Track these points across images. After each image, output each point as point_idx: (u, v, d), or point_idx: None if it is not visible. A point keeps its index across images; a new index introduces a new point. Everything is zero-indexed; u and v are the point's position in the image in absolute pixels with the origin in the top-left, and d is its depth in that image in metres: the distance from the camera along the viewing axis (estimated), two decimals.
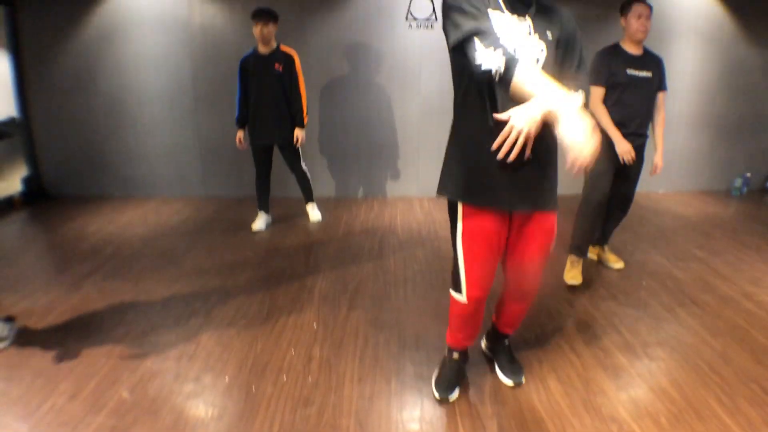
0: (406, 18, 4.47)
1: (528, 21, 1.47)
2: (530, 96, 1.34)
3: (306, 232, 3.84)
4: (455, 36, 1.38)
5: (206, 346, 2.22)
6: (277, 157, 3.83)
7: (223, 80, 4.46)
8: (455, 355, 1.93)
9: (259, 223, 3.89)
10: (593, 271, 3.12)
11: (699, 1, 4.82)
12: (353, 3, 4.45)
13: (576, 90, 1.45)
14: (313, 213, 4.08)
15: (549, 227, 1.67)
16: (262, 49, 3.58)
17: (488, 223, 1.60)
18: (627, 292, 2.83)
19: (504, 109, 1.42)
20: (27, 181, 4.85)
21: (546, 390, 1.93)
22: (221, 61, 4.48)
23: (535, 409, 1.82)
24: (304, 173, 3.91)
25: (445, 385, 1.87)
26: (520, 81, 1.32)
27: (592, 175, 2.84)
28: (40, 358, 2.11)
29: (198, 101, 4.67)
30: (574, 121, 1.29)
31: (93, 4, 4.52)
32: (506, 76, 1.33)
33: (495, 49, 1.32)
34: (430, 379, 1.95)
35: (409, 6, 4.44)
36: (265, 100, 3.59)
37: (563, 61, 1.53)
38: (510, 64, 1.32)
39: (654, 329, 2.42)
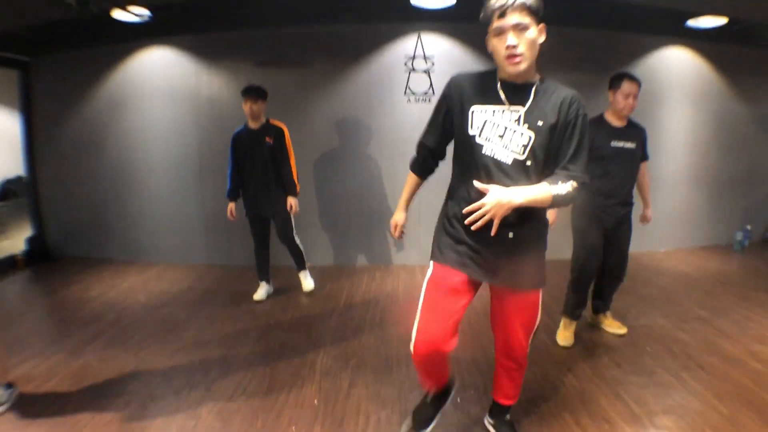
0: (405, 93, 4.73)
1: (521, 111, 1.56)
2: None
3: (307, 303, 3.83)
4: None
5: (206, 421, 2.20)
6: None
7: (228, 151, 4.65)
8: (428, 398, 1.96)
9: (261, 293, 3.91)
10: (596, 338, 3.09)
11: (688, 62, 5.05)
12: (354, 79, 4.67)
13: (564, 181, 1.53)
14: (306, 282, 4.04)
15: (529, 303, 1.73)
16: (252, 125, 3.72)
17: (452, 280, 1.67)
18: (631, 359, 2.79)
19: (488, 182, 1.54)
20: (31, 241, 4.94)
21: None
22: (226, 131, 4.58)
23: None
24: (296, 245, 3.92)
25: (419, 421, 1.94)
26: None
27: (581, 247, 2.90)
28: (38, 427, 2.12)
29: (203, 170, 4.83)
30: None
31: (105, 73, 4.81)
32: None
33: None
34: None
35: (408, 82, 4.71)
36: (257, 173, 3.70)
37: (559, 149, 1.58)
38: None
39: (660, 397, 2.37)
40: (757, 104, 5.26)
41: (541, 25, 1.53)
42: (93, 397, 2.40)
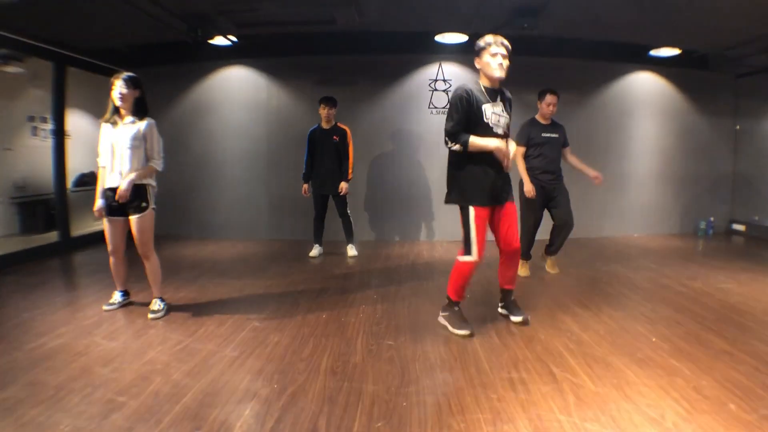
0: (429, 107, 6.02)
1: (501, 105, 2.82)
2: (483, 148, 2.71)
3: (351, 262, 4.98)
4: (447, 126, 2.74)
5: (300, 309, 3.42)
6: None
7: (291, 149, 5.87)
8: (456, 307, 2.96)
9: (314, 252, 5.12)
10: (577, 274, 4.27)
11: (653, 84, 6.28)
12: (391, 96, 5.98)
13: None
14: (352, 251, 5.21)
15: (510, 207, 2.91)
16: (325, 125, 4.98)
17: (485, 214, 2.84)
18: (590, 286, 3.97)
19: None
20: None
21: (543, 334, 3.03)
22: (290, 134, 5.96)
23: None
24: (349, 219, 5.14)
25: (462, 324, 2.88)
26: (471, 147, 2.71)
27: (525, 206, 4.10)
28: (181, 322, 3.30)
29: (270, 164, 6.14)
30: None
31: (191, 85, 6.16)
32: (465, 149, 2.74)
33: (454, 144, 2.73)
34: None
35: (431, 98, 6.01)
36: (325, 162, 4.94)
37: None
38: (464, 146, 2.70)
39: (607, 301, 3.52)
40: (715, 117, 6.44)
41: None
42: (212, 304, 3.50)
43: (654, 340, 2.76)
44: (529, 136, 4.07)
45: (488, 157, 2.74)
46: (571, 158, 4.26)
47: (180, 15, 4.42)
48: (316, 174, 5.01)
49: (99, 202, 3.12)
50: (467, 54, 5.77)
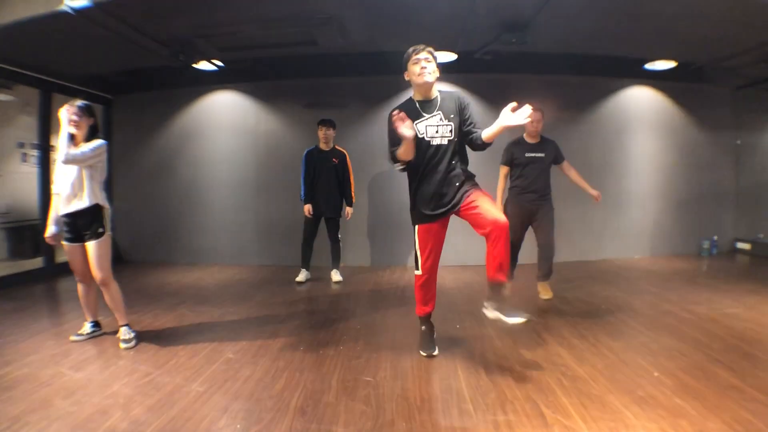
0: None
1: (439, 114, 2.68)
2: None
3: (336, 288, 4.78)
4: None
5: (278, 341, 3.21)
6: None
7: (280, 174, 5.76)
8: (423, 326, 2.88)
9: (301, 276, 4.94)
10: (571, 299, 4.05)
11: (649, 98, 6.14)
12: (381, 117, 5.69)
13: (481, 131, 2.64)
14: (336, 276, 4.99)
15: (473, 194, 2.67)
16: (323, 147, 4.88)
17: (431, 230, 2.76)
18: (587, 311, 3.75)
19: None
20: None
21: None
22: (279, 159, 5.83)
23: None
24: (339, 244, 4.99)
25: (426, 346, 2.83)
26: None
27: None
28: (148, 355, 3.09)
29: (259, 189, 5.99)
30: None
31: (178, 111, 6.07)
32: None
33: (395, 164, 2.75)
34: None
35: None
36: (322, 184, 4.81)
37: (463, 123, 2.70)
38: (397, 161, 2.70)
39: (606, 330, 3.29)
40: (716, 131, 6.26)
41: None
42: (188, 333, 3.33)
43: (656, 374, 2.53)
44: (512, 156, 3.99)
45: (429, 170, 2.69)
46: (570, 172, 4.09)
47: (161, 40, 4.36)
48: (311, 196, 4.86)
49: (51, 229, 3.11)
50: (457, 72, 5.69)
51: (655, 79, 6.02)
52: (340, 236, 4.98)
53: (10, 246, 6.02)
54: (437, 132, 2.69)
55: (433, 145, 2.69)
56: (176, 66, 4.75)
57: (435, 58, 2.70)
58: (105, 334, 3.28)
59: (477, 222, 2.61)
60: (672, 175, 6.22)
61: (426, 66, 2.64)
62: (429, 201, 2.73)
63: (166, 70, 5.35)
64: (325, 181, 4.82)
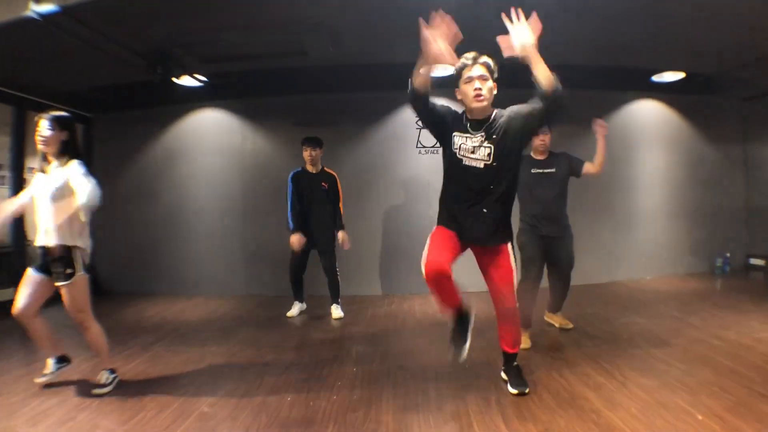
0: (417, 146, 5.56)
1: (481, 134, 2.37)
2: None
3: (337, 324, 4.30)
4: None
5: (262, 389, 2.83)
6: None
7: (268, 196, 5.38)
8: (450, 324, 2.49)
9: (294, 310, 4.50)
10: (583, 328, 3.70)
11: (657, 111, 5.90)
12: (376, 135, 5.53)
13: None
14: (337, 311, 4.47)
15: (500, 258, 2.46)
16: (311, 169, 4.39)
17: (447, 233, 2.47)
18: (609, 340, 3.40)
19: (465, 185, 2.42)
20: None
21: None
22: (267, 180, 5.46)
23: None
24: (337, 277, 4.46)
25: (455, 344, 2.46)
26: None
27: (523, 261, 3.40)
28: (118, 405, 2.67)
29: (246, 213, 5.61)
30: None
31: (161, 130, 5.73)
32: None
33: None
34: None
35: (419, 137, 5.57)
36: (314, 212, 4.32)
37: (527, 116, 2.36)
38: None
39: (632, 364, 2.93)
40: (725, 145, 6.02)
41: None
42: (160, 380, 2.93)
43: (701, 418, 2.18)
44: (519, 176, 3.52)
45: (457, 189, 2.48)
46: (594, 167, 3.51)
47: (136, 50, 4.04)
48: (300, 225, 4.31)
49: None
50: (451, 87, 5.40)
51: (662, 92, 5.77)
52: (338, 268, 4.51)
53: None
54: (473, 153, 2.38)
55: (463, 165, 2.41)
56: (156, 81, 4.38)
57: (492, 71, 2.39)
58: (76, 369, 2.96)
59: (491, 287, 2.54)
60: (681, 190, 5.94)
61: (481, 87, 2.34)
62: (450, 221, 2.52)
63: (147, 86, 4.97)
64: (317, 208, 4.33)
